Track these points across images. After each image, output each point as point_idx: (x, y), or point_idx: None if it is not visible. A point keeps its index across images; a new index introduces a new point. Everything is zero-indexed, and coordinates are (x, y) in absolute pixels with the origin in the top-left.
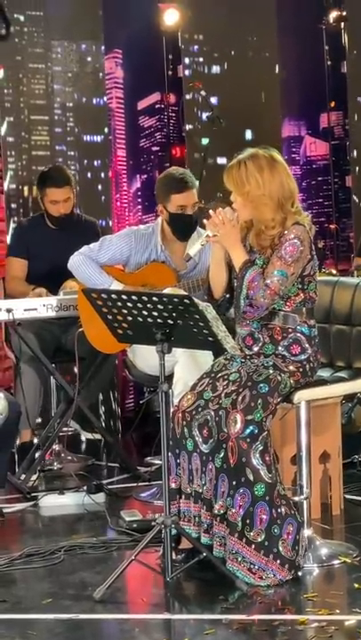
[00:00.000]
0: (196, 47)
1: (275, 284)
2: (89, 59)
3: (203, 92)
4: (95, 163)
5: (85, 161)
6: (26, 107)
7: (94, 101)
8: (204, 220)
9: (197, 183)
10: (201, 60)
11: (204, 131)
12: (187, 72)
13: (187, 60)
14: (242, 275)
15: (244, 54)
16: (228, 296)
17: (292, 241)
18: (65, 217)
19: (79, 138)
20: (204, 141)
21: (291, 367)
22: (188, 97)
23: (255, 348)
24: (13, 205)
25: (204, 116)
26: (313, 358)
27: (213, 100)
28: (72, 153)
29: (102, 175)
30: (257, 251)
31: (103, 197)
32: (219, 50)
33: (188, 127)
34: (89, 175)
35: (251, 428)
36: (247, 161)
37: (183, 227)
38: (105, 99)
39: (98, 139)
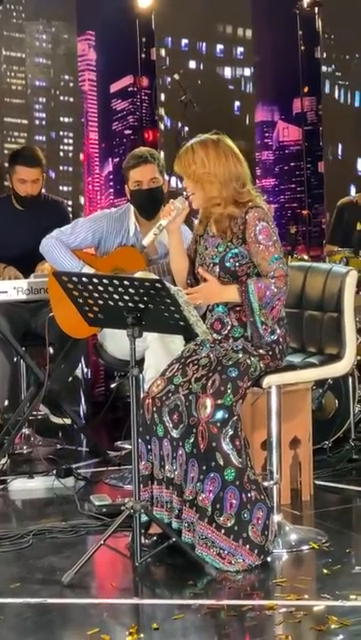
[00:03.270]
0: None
1: (278, 270)
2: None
3: (176, 76)
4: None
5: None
6: None
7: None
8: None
9: (162, 161)
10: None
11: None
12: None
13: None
14: (246, 297)
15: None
16: (189, 283)
17: (260, 226)
18: (32, 198)
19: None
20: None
21: (260, 350)
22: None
23: (224, 332)
24: None
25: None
26: (282, 340)
27: None
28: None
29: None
30: (218, 236)
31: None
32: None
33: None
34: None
35: (221, 412)
36: (194, 145)
37: (141, 203)
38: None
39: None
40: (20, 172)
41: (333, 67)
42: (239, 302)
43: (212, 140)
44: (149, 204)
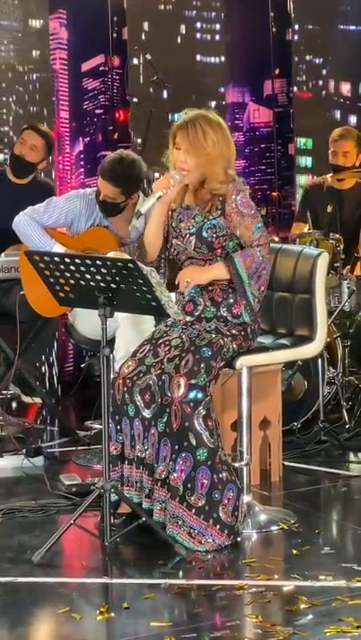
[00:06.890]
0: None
1: (261, 238)
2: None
3: (148, 56)
4: None
5: None
6: None
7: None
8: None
9: (125, 178)
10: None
11: None
12: None
13: None
14: (235, 271)
15: None
16: (163, 260)
17: (239, 197)
18: (23, 162)
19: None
20: None
21: (233, 331)
22: None
23: (196, 313)
24: None
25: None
26: (254, 320)
27: None
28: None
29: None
30: (195, 207)
31: None
32: None
33: None
34: None
35: (194, 392)
36: (201, 121)
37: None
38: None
39: None
40: (24, 134)
41: None
42: (227, 278)
43: (215, 120)
44: (101, 210)
